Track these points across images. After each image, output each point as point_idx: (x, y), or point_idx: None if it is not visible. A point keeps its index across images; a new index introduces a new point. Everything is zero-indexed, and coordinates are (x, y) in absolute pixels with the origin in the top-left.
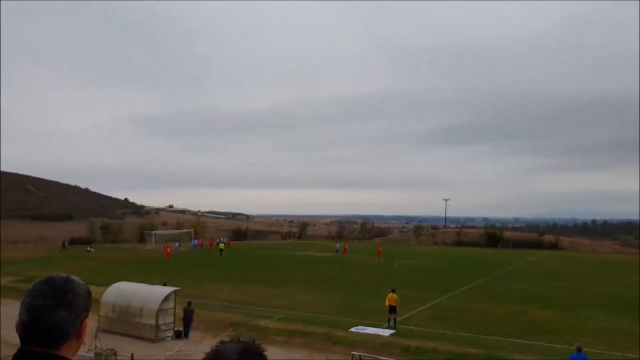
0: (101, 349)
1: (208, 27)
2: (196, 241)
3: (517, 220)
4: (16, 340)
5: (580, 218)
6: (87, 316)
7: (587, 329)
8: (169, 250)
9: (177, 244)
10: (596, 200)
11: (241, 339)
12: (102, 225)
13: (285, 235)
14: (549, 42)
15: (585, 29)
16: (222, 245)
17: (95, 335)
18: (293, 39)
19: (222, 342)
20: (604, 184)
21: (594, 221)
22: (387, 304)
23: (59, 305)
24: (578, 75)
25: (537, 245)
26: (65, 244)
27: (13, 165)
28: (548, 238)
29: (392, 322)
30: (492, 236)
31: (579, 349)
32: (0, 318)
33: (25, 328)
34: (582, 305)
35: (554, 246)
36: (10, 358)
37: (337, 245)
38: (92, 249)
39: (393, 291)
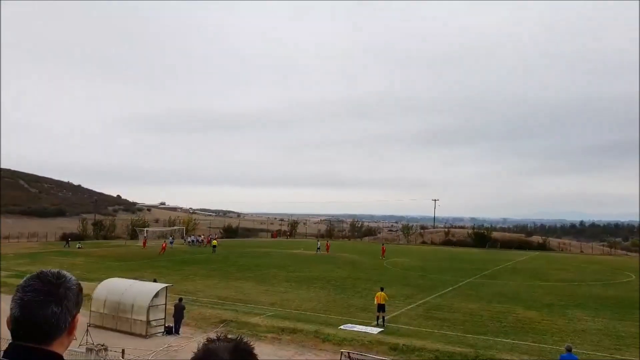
0: (92, 344)
1: (200, 27)
2: (199, 237)
3: (505, 220)
4: (7, 334)
5: (568, 220)
6: (78, 312)
7: (574, 329)
8: (164, 245)
9: (170, 239)
10: (584, 202)
11: (229, 336)
12: (94, 221)
13: (276, 233)
14: (538, 45)
15: (572, 32)
16: (215, 242)
17: (87, 330)
18: (284, 40)
19: (210, 340)
20: (592, 186)
21: (581, 223)
22: (376, 302)
23: (50, 300)
24: (566, 78)
25: (524, 245)
26: (69, 239)
27: (5, 160)
28: (536, 239)
29: (380, 320)
30: (480, 236)
31: (569, 349)
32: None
33: (16, 323)
34: (569, 306)
35: (541, 247)
36: (2, 353)
37: (319, 243)
38: (81, 246)
39: (382, 289)
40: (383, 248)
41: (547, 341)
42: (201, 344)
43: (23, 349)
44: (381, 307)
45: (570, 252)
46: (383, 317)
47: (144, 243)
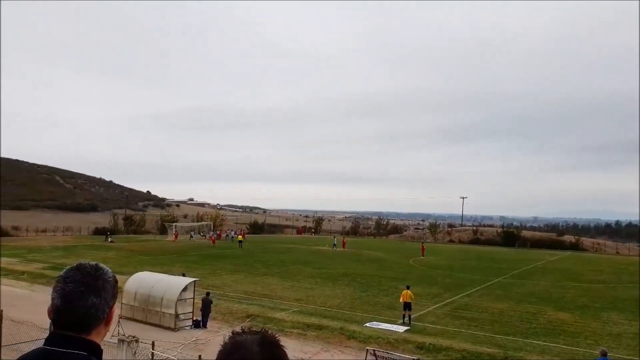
0: (124, 335)
1: (225, 28)
2: (233, 232)
3: (535, 219)
4: (42, 323)
5: (602, 219)
6: (114, 303)
7: (609, 332)
8: (213, 238)
9: (192, 233)
10: (620, 200)
11: (254, 329)
12: (124, 216)
13: (302, 230)
14: (567, 40)
15: (599, 26)
16: (240, 237)
17: (118, 322)
18: (307, 37)
19: (236, 333)
20: (629, 184)
21: (617, 222)
22: (401, 300)
23: (89, 291)
24: (598, 72)
25: (556, 245)
26: (109, 233)
27: (42, 157)
28: (568, 238)
29: (406, 319)
30: (510, 235)
31: (604, 354)
32: None
33: (57, 313)
34: (604, 308)
35: (574, 247)
36: (43, 341)
37: (335, 239)
38: (112, 240)
39: (408, 288)
40: (423, 247)
41: (580, 344)
42: (227, 336)
43: (64, 338)
44: (407, 306)
45: (605, 252)
46: (409, 316)
47: (176, 236)
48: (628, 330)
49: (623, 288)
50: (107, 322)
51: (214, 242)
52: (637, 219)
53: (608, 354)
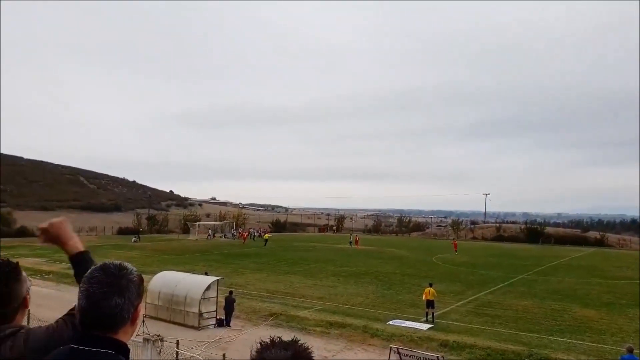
0: (149, 334)
1: (244, 25)
2: (255, 231)
3: (559, 215)
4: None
5: (628, 215)
6: (140, 302)
7: (636, 329)
8: (244, 235)
9: (210, 231)
10: None
11: (284, 340)
12: (147, 216)
13: (324, 228)
14: (587, 36)
15: (625, 22)
16: (266, 236)
17: (143, 321)
18: (329, 34)
19: (265, 345)
20: None
21: None
22: (424, 298)
23: (113, 291)
24: (621, 66)
25: (580, 241)
26: (139, 234)
27: (66, 158)
28: (593, 234)
29: (429, 317)
30: (533, 232)
31: (630, 350)
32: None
33: (83, 314)
34: (631, 305)
35: (599, 243)
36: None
37: (351, 237)
38: (138, 239)
39: (430, 285)
40: (455, 243)
41: (606, 341)
42: (255, 349)
43: (92, 338)
44: (430, 303)
45: (631, 248)
46: (432, 314)
47: (244, 237)
48: None
49: None
50: (133, 322)
51: (245, 238)
52: None
53: (634, 350)
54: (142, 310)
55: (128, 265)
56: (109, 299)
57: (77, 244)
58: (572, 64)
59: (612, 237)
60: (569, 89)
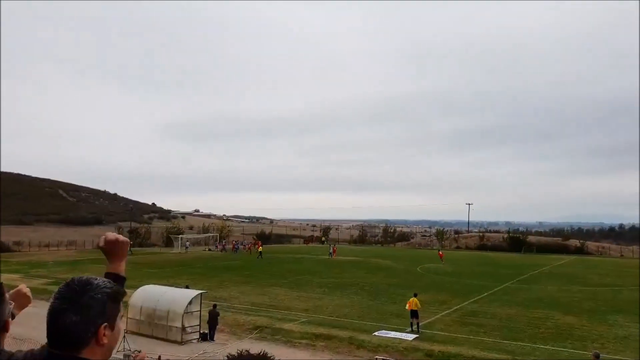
0: (129, 350)
1: (231, 34)
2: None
3: (540, 224)
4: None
5: (606, 222)
6: (105, 321)
7: (616, 335)
8: (250, 246)
9: (187, 244)
10: (623, 204)
11: (251, 352)
12: (129, 229)
13: (309, 240)
14: (571, 45)
15: (611, 30)
16: (260, 248)
17: (124, 337)
18: (316, 42)
19: (231, 358)
20: (632, 187)
21: (621, 225)
22: (408, 307)
23: (69, 308)
24: (601, 76)
25: (561, 249)
26: (131, 246)
27: (45, 170)
28: (573, 242)
29: (414, 327)
30: (516, 240)
31: (596, 356)
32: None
33: (47, 329)
34: (610, 311)
35: (579, 251)
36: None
37: (330, 248)
38: (130, 253)
39: (415, 295)
40: (440, 254)
41: (587, 348)
42: None
43: (53, 356)
44: (413, 313)
45: (609, 255)
46: (417, 324)
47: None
48: (634, 333)
49: (628, 291)
50: (98, 341)
51: (250, 249)
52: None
53: (601, 356)
54: (119, 326)
55: (97, 281)
56: (65, 316)
57: (123, 267)
58: (556, 76)
59: (591, 244)
60: (551, 100)
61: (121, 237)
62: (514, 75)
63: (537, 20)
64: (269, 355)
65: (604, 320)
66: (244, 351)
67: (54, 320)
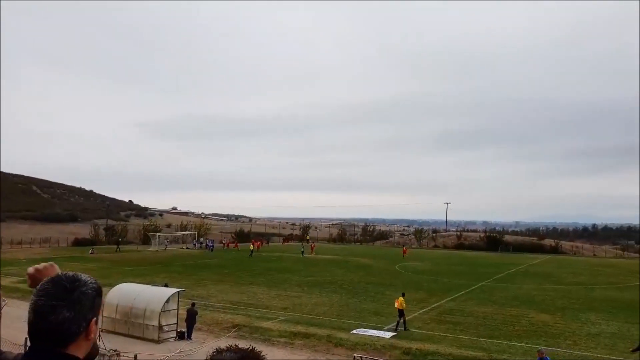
0: (104, 349)
1: (214, 33)
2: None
3: (517, 224)
4: (16, 339)
5: (580, 223)
6: (94, 315)
7: (588, 332)
8: (258, 244)
9: (166, 242)
10: (596, 205)
11: (240, 347)
12: (106, 226)
13: (288, 238)
14: (551, 48)
15: (588, 35)
16: (251, 247)
17: (99, 335)
18: (298, 44)
19: (218, 351)
20: (605, 189)
21: (594, 226)
22: (396, 306)
23: (62, 305)
24: (579, 81)
25: (537, 249)
26: (119, 244)
27: (18, 166)
28: (548, 242)
29: (400, 326)
30: (492, 240)
31: (541, 354)
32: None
33: (31, 327)
34: (583, 309)
35: (554, 250)
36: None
37: (302, 246)
38: (118, 249)
39: (403, 295)
40: (404, 250)
41: (560, 345)
42: (209, 355)
43: (39, 352)
44: (400, 313)
45: (582, 255)
46: (403, 322)
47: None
48: (605, 330)
49: (600, 289)
50: (88, 336)
51: (236, 246)
52: (614, 222)
53: (544, 354)
54: (98, 324)
55: (83, 277)
56: (57, 313)
57: None
58: (533, 78)
59: (565, 244)
60: (529, 102)
61: (40, 266)
62: (492, 77)
63: (515, 23)
64: (255, 350)
65: (577, 318)
66: (233, 345)
67: (43, 317)
